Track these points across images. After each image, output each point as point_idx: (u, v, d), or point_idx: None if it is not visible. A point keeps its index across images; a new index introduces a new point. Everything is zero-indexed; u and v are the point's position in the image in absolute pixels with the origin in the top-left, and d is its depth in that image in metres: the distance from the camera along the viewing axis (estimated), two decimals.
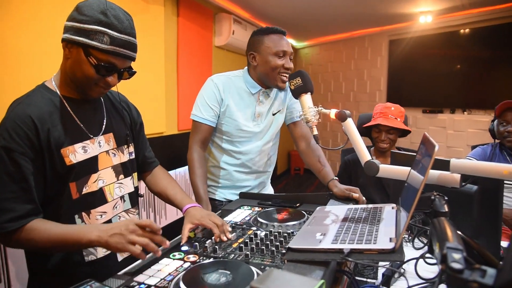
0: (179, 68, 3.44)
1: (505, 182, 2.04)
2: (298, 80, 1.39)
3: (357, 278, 1.15)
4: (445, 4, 4.26)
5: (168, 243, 0.99)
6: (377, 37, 5.58)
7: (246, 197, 1.66)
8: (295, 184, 6.35)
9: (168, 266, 1.00)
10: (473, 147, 2.31)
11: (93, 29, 1.01)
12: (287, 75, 1.61)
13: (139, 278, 0.93)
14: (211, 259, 1.01)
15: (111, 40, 1.03)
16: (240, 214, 1.43)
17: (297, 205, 1.49)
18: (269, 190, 1.93)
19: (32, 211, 1.02)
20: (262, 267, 0.95)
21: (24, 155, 1.00)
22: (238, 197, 1.70)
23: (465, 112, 4.73)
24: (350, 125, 1.29)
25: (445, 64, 4.91)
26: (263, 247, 1.06)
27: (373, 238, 0.88)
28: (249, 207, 1.51)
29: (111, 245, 0.96)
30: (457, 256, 0.64)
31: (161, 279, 0.92)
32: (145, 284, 0.90)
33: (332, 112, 1.33)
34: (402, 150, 2.26)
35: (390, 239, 0.85)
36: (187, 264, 1.00)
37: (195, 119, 1.68)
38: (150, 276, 0.94)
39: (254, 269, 0.91)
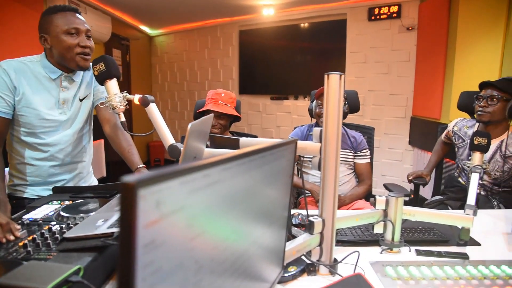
0: None
1: (307, 158, 2.33)
2: (102, 66, 1.33)
3: None
4: None
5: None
6: (228, 27, 5.75)
7: (60, 191, 1.55)
8: None
9: None
10: (295, 128, 2.57)
11: None
12: (87, 54, 1.54)
13: None
14: None
15: None
16: (45, 210, 1.31)
17: (109, 195, 1.44)
18: (91, 181, 1.83)
19: None
20: (44, 262, 0.89)
21: None
22: (51, 193, 1.57)
23: (305, 98, 5.23)
24: (153, 110, 1.30)
25: (289, 55, 5.35)
26: (49, 242, 1.00)
27: None
28: (59, 202, 1.41)
29: None
30: None
31: None
32: None
33: (136, 98, 1.32)
34: (236, 135, 2.38)
35: None
36: None
37: None
38: None
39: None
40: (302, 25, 5.22)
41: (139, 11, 5.26)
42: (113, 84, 1.35)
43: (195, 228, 0.43)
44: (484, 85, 2.09)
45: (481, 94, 2.07)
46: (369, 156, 2.38)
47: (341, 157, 2.33)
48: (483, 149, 1.50)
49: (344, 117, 2.38)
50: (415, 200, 2.39)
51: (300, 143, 1.10)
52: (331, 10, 4.88)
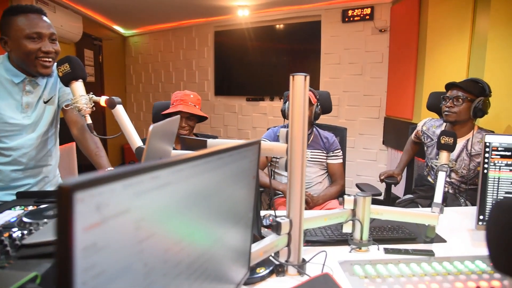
0: None
1: (275, 159, 2.34)
2: (66, 67, 1.30)
3: None
4: (259, 0, 4.62)
5: None
6: (203, 28, 5.72)
7: (24, 196, 1.50)
8: None
9: None
10: (268, 129, 2.58)
11: None
12: (49, 59, 1.49)
13: None
14: None
15: None
16: (7, 216, 1.27)
17: None
18: (57, 185, 1.78)
19: None
20: (1, 270, 0.86)
21: None
22: (15, 198, 1.52)
23: (281, 99, 5.26)
24: (120, 112, 1.28)
25: (264, 56, 5.37)
26: (8, 249, 0.96)
27: None
28: (22, 207, 1.37)
29: None
30: None
31: None
32: None
33: (102, 100, 1.30)
34: (200, 136, 2.37)
35: None
36: None
37: None
38: None
39: None
40: (277, 26, 5.25)
41: (112, 10, 5.17)
42: (78, 85, 1.31)
43: (143, 231, 0.42)
44: (450, 86, 2.15)
45: (447, 95, 2.13)
46: (342, 157, 2.41)
47: (314, 158, 2.35)
48: (450, 148, 1.54)
49: (317, 118, 2.39)
50: (387, 199, 2.44)
51: (267, 144, 1.10)
52: (306, 11, 4.92)
